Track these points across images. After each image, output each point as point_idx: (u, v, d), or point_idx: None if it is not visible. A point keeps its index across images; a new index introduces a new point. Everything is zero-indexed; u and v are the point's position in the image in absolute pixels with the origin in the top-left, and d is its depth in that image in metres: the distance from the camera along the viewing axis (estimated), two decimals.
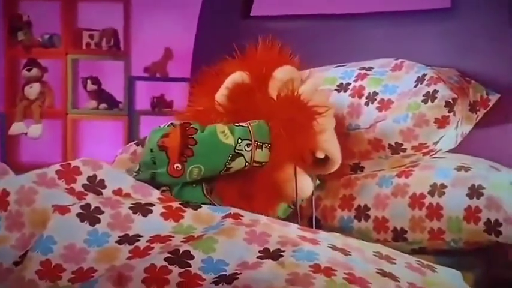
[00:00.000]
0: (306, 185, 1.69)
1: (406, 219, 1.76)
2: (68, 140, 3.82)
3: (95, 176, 1.51)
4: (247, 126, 1.62)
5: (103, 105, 3.85)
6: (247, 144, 1.60)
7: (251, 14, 2.46)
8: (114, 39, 3.79)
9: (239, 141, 1.60)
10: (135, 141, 2.18)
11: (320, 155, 1.68)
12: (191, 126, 1.61)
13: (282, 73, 1.70)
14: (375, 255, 1.35)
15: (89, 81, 3.82)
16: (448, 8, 2.15)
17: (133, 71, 3.84)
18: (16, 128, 3.71)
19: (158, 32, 3.89)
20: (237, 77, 1.70)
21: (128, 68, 3.82)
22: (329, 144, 1.69)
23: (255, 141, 1.61)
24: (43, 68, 3.74)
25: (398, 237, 1.77)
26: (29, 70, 3.70)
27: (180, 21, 3.86)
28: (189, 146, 1.58)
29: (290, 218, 1.72)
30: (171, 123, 1.67)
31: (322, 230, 1.69)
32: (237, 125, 1.63)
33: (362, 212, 1.81)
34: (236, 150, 1.59)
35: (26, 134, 3.71)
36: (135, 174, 1.65)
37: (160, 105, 3.85)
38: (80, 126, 4.00)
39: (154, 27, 3.90)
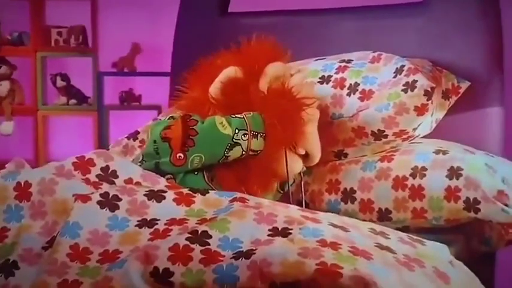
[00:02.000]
0: (295, 164, 1.82)
1: (390, 200, 1.87)
2: (39, 136, 3.87)
3: (107, 166, 1.60)
4: (243, 118, 1.72)
5: (73, 101, 3.90)
6: (244, 134, 1.71)
7: (229, 11, 2.56)
8: (82, 36, 3.84)
9: (236, 131, 1.70)
10: (126, 135, 2.26)
11: (301, 151, 1.80)
12: (191, 118, 1.71)
13: (273, 69, 1.80)
14: (370, 231, 1.46)
15: (58, 78, 3.86)
16: (420, 2, 2.28)
17: (101, 66, 3.90)
18: None
19: (125, 27, 3.94)
20: (231, 71, 1.80)
21: (96, 63, 3.87)
22: (311, 141, 1.81)
23: (250, 130, 1.71)
24: (12, 66, 3.78)
25: (383, 217, 1.88)
26: None
27: (147, 16, 3.94)
28: (191, 137, 1.68)
29: (280, 201, 1.83)
30: (171, 116, 1.76)
31: None
32: (233, 116, 1.73)
33: (348, 195, 1.92)
34: (234, 140, 1.70)
35: None
36: (139, 164, 1.74)
37: (128, 100, 3.92)
38: (51, 122, 4.04)
39: (121, 23, 3.95)
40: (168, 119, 1.76)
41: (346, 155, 1.99)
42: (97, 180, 1.57)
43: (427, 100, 1.87)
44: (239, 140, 1.70)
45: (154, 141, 1.70)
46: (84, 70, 3.90)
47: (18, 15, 3.85)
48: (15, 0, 3.84)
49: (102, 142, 3.83)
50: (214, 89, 1.80)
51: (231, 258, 1.28)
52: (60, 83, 3.87)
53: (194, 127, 1.69)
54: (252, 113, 1.74)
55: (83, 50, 3.85)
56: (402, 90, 1.89)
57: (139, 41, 3.89)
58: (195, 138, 1.68)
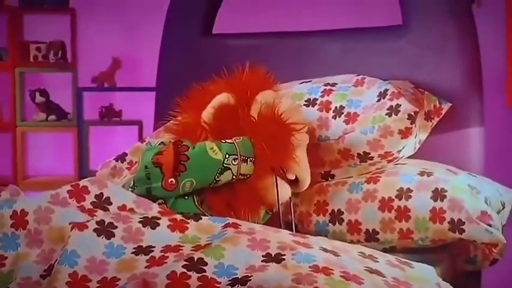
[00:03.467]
0: (284, 191, 1.85)
1: (376, 221, 1.92)
2: (17, 152, 3.86)
3: (101, 194, 1.63)
4: (233, 143, 1.76)
5: (52, 117, 3.90)
6: (234, 159, 1.74)
7: (212, 32, 2.60)
8: (61, 51, 3.85)
9: (227, 156, 1.73)
10: (114, 157, 2.28)
11: (291, 176, 1.84)
12: (183, 144, 1.74)
13: (264, 96, 1.84)
14: (360, 255, 1.50)
15: (37, 94, 3.86)
16: (399, 25, 2.34)
17: (81, 81, 3.91)
18: None
19: (105, 42, 3.96)
20: (223, 98, 1.84)
21: (76, 79, 3.88)
22: (300, 166, 1.84)
23: (240, 155, 1.75)
24: None
25: (371, 238, 1.93)
26: None
27: (126, 30, 3.95)
28: (182, 162, 1.71)
29: (268, 223, 1.87)
30: (162, 142, 1.79)
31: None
32: (224, 141, 1.77)
33: (336, 216, 1.96)
34: (224, 165, 1.73)
35: None
36: (130, 189, 1.77)
37: (109, 115, 3.93)
38: (30, 138, 4.04)
39: (101, 37, 3.97)
40: (159, 144, 1.78)
41: (333, 176, 2.03)
42: (91, 207, 1.59)
43: (411, 124, 1.92)
44: (229, 164, 1.73)
45: (146, 167, 1.73)
46: (64, 85, 3.91)
47: None
48: None
49: (82, 158, 3.84)
50: (206, 114, 1.84)
51: (227, 285, 1.31)
52: (39, 98, 3.87)
53: (185, 153, 1.72)
54: (241, 137, 1.77)
55: (62, 65, 3.86)
56: (386, 114, 1.94)
57: (120, 55, 3.90)
58: (186, 163, 1.71)
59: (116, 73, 3.92)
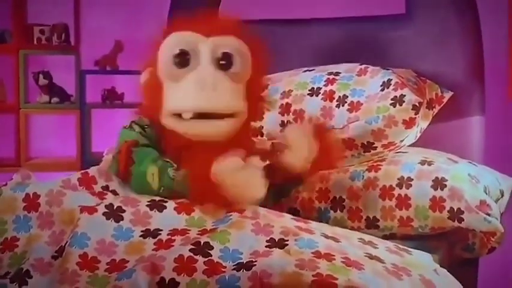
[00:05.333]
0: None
1: (377, 209, 1.95)
2: (21, 134, 3.88)
3: (107, 186, 1.71)
4: (173, 179, 1.64)
5: (55, 99, 3.91)
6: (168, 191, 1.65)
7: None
8: (64, 34, 3.86)
9: (162, 189, 1.65)
10: None
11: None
12: (133, 150, 1.69)
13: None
14: (360, 241, 1.55)
15: (40, 76, 3.86)
16: (402, 14, 2.36)
17: (83, 64, 3.92)
18: None
19: (108, 25, 3.96)
20: (145, 75, 1.81)
21: (79, 61, 3.89)
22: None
23: (175, 191, 1.65)
24: None
25: (371, 225, 1.96)
26: None
27: (129, 13, 3.96)
28: (130, 167, 1.69)
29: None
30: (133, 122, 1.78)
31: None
32: (167, 164, 1.66)
33: (338, 203, 2.00)
34: (159, 193, 1.65)
35: None
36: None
37: (111, 98, 3.95)
38: (33, 120, 4.06)
39: (104, 20, 3.97)
40: (129, 127, 1.78)
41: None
42: (102, 190, 1.64)
43: (415, 114, 1.96)
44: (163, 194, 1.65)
45: (113, 157, 1.75)
46: (67, 68, 3.92)
47: (0, 13, 3.85)
48: None
49: (84, 140, 3.86)
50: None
51: (232, 269, 1.36)
52: (42, 81, 3.88)
53: (131, 167, 1.68)
54: (182, 174, 1.64)
55: (66, 48, 3.86)
56: (391, 104, 1.97)
57: (122, 38, 3.91)
58: (132, 168, 1.69)
59: (118, 56, 3.93)
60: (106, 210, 1.51)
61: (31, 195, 1.56)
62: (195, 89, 1.69)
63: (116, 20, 3.95)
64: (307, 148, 1.74)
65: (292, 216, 1.60)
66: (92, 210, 1.51)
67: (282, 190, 1.84)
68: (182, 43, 1.74)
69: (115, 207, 1.52)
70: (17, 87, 3.85)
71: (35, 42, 3.85)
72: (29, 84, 3.94)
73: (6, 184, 1.65)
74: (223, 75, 1.71)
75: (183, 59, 1.72)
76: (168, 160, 1.68)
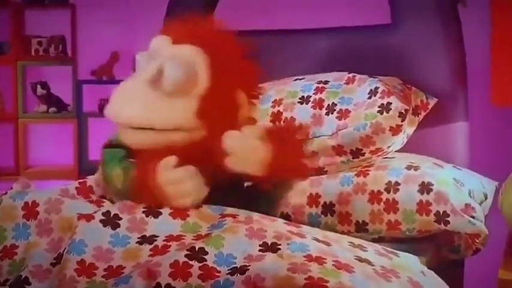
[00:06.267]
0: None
1: (366, 213, 1.99)
2: (19, 143, 3.94)
3: (103, 197, 1.74)
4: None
5: (53, 109, 3.98)
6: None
7: None
8: (62, 46, 3.93)
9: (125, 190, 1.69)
10: None
11: None
12: (104, 151, 1.76)
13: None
14: (350, 245, 1.57)
15: (38, 86, 3.94)
16: (387, 24, 2.43)
17: (80, 74, 3.98)
18: None
19: (104, 36, 4.02)
20: None
21: (76, 72, 3.96)
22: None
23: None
24: None
25: (360, 229, 2.00)
26: None
27: (125, 24, 4.02)
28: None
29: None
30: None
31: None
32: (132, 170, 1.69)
33: (328, 208, 2.04)
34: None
35: None
36: None
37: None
38: (31, 130, 4.12)
39: (100, 32, 4.03)
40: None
41: (326, 172, 2.12)
42: (99, 198, 1.69)
43: (402, 121, 2.01)
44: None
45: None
46: (64, 78, 3.98)
47: None
48: None
49: (81, 148, 3.92)
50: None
51: (226, 273, 1.38)
52: (40, 91, 3.95)
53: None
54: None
55: (63, 58, 3.93)
56: (378, 111, 2.03)
57: (118, 49, 3.97)
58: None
59: (114, 66, 3.99)
60: (103, 218, 1.53)
61: (30, 203, 1.59)
62: (122, 101, 1.65)
63: (112, 31, 4.00)
64: (251, 152, 1.62)
65: (284, 221, 1.63)
66: (89, 217, 1.53)
67: (273, 195, 1.84)
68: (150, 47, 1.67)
69: (112, 214, 1.55)
70: (15, 97, 3.91)
71: (33, 53, 3.92)
72: (27, 94, 4.00)
73: (6, 193, 1.69)
74: (155, 90, 1.59)
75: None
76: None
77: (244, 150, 1.60)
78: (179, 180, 1.58)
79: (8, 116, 3.92)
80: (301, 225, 1.65)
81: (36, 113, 3.99)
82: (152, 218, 1.56)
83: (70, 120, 3.97)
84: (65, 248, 1.47)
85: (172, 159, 1.57)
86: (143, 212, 1.57)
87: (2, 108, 3.91)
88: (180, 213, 1.58)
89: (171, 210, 1.58)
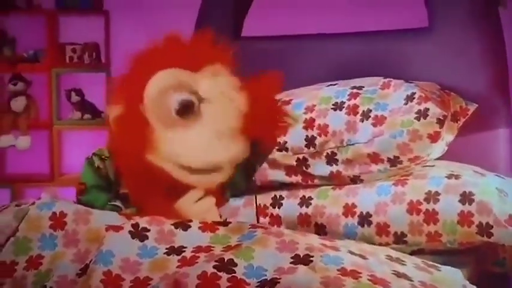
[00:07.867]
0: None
1: (405, 224, 1.93)
2: (54, 150, 3.94)
3: None
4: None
5: (87, 116, 3.97)
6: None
7: (242, 35, 2.63)
8: (95, 53, 3.91)
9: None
10: None
11: None
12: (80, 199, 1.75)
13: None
14: (387, 258, 1.53)
15: (72, 93, 3.93)
16: (425, 28, 2.35)
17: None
18: (5, 140, 3.83)
19: (137, 43, 4.00)
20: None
21: (109, 79, 3.94)
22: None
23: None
24: (28, 82, 3.85)
25: (399, 240, 1.95)
26: (14, 84, 3.81)
27: (158, 31, 3.99)
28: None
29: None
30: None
31: (328, 235, 1.90)
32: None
33: (364, 219, 1.99)
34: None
35: (14, 145, 3.84)
36: None
37: None
38: (65, 137, 4.11)
39: (133, 39, 4.01)
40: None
41: (362, 181, 2.06)
42: None
43: (440, 128, 1.95)
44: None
45: None
46: (98, 85, 3.97)
47: (34, 33, 3.92)
48: (30, 19, 3.91)
49: None
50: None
51: (256, 286, 1.35)
52: (74, 98, 3.94)
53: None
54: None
55: (97, 65, 3.92)
56: (415, 117, 1.97)
57: None
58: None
59: None
60: (132, 229, 1.52)
61: (58, 213, 1.58)
62: (210, 141, 1.57)
63: (145, 38, 3.98)
64: (228, 101, 1.60)
65: (317, 236, 1.60)
66: (118, 228, 1.52)
67: (248, 166, 1.74)
68: (180, 88, 1.63)
69: (140, 227, 1.53)
70: (50, 105, 3.91)
71: (67, 60, 3.91)
72: (61, 101, 4.00)
73: (33, 203, 1.66)
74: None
75: (185, 109, 1.60)
76: (116, 203, 1.71)
77: (220, 98, 1.61)
78: (207, 210, 1.66)
79: (43, 123, 3.92)
80: (335, 240, 1.60)
81: (71, 120, 3.97)
82: (181, 230, 1.55)
83: (104, 127, 3.94)
84: (92, 259, 1.46)
85: (199, 192, 1.64)
86: (172, 224, 1.56)
87: (36, 116, 3.90)
88: (209, 226, 1.57)
89: (201, 224, 1.56)
